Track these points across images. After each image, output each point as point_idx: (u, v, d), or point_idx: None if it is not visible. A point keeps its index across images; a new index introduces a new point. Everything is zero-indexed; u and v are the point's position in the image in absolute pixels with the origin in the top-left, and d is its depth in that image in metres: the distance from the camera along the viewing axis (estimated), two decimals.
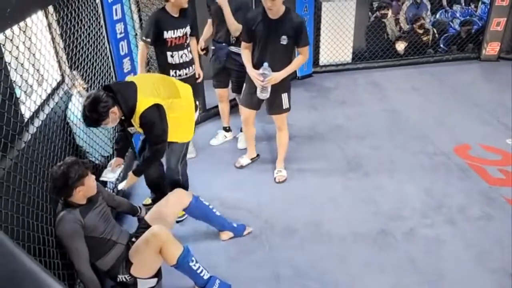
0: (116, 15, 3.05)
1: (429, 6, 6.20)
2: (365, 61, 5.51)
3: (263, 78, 2.83)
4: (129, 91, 2.36)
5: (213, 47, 3.58)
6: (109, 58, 3.13)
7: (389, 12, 5.69)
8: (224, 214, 2.86)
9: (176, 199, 2.54)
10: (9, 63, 1.95)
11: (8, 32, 1.86)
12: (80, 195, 2.06)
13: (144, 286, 2.27)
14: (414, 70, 5.39)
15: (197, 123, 4.05)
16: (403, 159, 3.54)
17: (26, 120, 2.15)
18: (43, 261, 1.99)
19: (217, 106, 3.94)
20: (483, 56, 5.53)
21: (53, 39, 2.69)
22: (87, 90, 2.89)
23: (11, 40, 1.93)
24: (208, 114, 4.19)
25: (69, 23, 2.67)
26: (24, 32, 2.08)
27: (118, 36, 3.11)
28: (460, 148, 3.66)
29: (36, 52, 2.28)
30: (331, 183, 3.28)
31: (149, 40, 3.10)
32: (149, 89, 2.42)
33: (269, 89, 2.91)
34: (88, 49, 2.96)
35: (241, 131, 3.88)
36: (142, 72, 3.27)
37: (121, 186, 2.67)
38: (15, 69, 1.98)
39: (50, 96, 2.56)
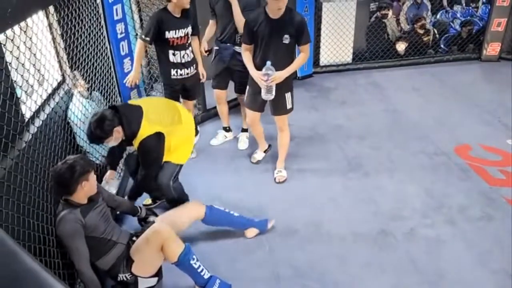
0: (117, 15, 3.05)
1: (430, 6, 6.20)
2: (366, 62, 5.51)
3: (267, 78, 2.83)
4: (135, 115, 2.44)
5: (216, 48, 3.57)
6: (110, 58, 3.13)
7: (390, 13, 5.69)
8: None
9: (190, 212, 2.56)
10: (10, 63, 1.95)
11: (9, 32, 1.86)
12: (83, 191, 2.07)
13: (145, 285, 2.27)
14: (415, 70, 5.39)
15: (197, 123, 4.08)
16: (404, 159, 3.54)
17: (26, 120, 2.16)
18: (44, 260, 1.99)
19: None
20: (484, 56, 5.53)
21: (53, 39, 2.69)
22: (88, 90, 2.90)
23: (12, 40, 1.93)
24: (208, 114, 4.20)
25: (69, 23, 2.68)
26: (25, 32, 2.09)
27: (119, 36, 3.12)
28: (461, 148, 3.66)
29: (37, 52, 2.28)
30: (331, 183, 3.29)
31: (148, 39, 3.08)
32: (154, 116, 2.50)
33: (274, 90, 2.91)
34: (88, 49, 2.96)
35: (242, 131, 3.89)
36: (138, 69, 3.24)
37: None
38: (16, 69, 1.99)
39: (50, 96, 2.57)
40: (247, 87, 3.18)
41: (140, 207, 2.71)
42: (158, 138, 2.47)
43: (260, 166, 3.54)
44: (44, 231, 2.05)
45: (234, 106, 4.27)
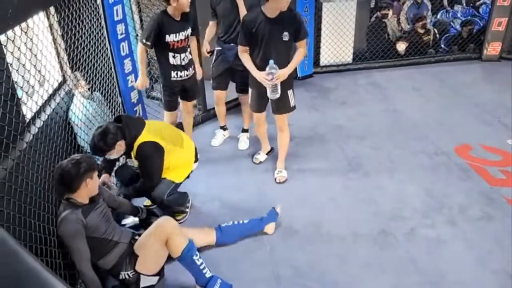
0: (117, 16, 3.06)
1: (430, 6, 6.20)
2: (366, 62, 5.51)
3: (272, 77, 2.84)
4: (137, 125, 2.55)
5: (218, 48, 3.56)
6: (110, 59, 3.14)
7: (390, 12, 5.69)
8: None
9: (201, 241, 2.56)
10: (11, 64, 1.96)
11: (10, 32, 1.87)
12: (86, 189, 2.08)
13: (146, 283, 2.28)
14: (415, 70, 5.38)
15: (197, 123, 4.09)
16: (404, 159, 3.54)
17: (27, 120, 2.16)
18: (45, 261, 1.99)
19: None
20: (485, 56, 5.52)
21: (54, 39, 2.70)
22: (89, 91, 2.91)
23: (13, 41, 1.94)
24: (208, 114, 4.20)
25: (70, 24, 2.68)
26: (25, 33, 2.09)
27: (119, 37, 3.12)
28: (461, 148, 3.66)
29: (38, 53, 2.29)
30: (332, 183, 3.29)
31: (148, 43, 3.07)
32: (155, 130, 2.60)
33: (279, 88, 2.92)
34: (89, 50, 2.97)
35: (242, 131, 3.89)
36: (144, 73, 3.25)
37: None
38: (17, 70, 1.99)
39: (51, 96, 2.57)
40: (250, 90, 3.19)
41: (140, 208, 2.72)
42: (157, 148, 2.55)
43: (260, 166, 3.54)
44: (45, 232, 2.05)
45: (234, 107, 4.28)
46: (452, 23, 6.20)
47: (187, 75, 3.28)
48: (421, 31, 5.58)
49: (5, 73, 1.87)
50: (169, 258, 2.37)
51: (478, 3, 6.45)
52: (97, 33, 3.07)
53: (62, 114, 2.63)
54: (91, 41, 3.01)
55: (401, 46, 5.53)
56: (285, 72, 2.89)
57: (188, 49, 3.26)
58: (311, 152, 3.70)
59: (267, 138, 3.55)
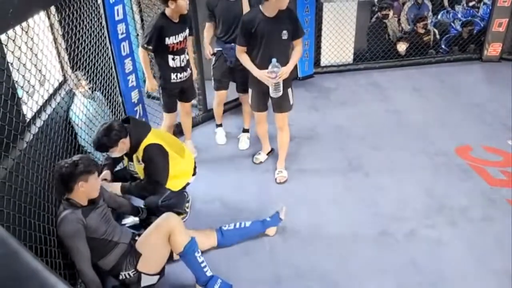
0: (118, 15, 3.05)
1: (431, 6, 6.20)
2: (366, 62, 5.50)
3: (275, 75, 2.86)
4: (143, 128, 2.59)
5: (218, 49, 3.55)
6: (111, 58, 3.13)
7: (391, 13, 5.68)
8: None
9: (203, 244, 2.55)
10: (12, 63, 1.95)
11: (10, 32, 1.86)
12: (81, 191, 2.07)
13: (147, 282, 2.28)
14: (416, 70, 5.38)
15: (198, 123, 4.09)
16: (404, 160, 3.54)
17: (28, 120, 2.16)
18: (45, 260, 1.99)
19: None
20: (485, 57, 5.52)
21: (55, 39, 2.70)
22: (91, 90, 2.91)
23: (14, 40, 1.93)
24: (208, 114, 4.19)
25: (71, 23, 2.68)
26: (26, 32, 2.09)
27: (120, 36, 3.11)
28: (461, 149, 3.66)
29: (38, 53, 2.29)
30: (332, 183, 3.29)
31: (150, 47, 3.06)
32: (161, 135, 2.66)
33: (282, 86, 2.94)
34: (90, 49, 2.97)
35: (243, 131, 3.89)
36: (151, 76, 3.24)
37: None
38: (17, 69, 1.99)
39: (52, 96, 2.57)
40: (250, 89, 3.19)
41: (141, 208, 2.72)
42: (162, 150, 2.58)
43: (260, 166, 3.54)
44: (45, 231, 2.05)
45: (234, 107, 4.27)
46: (452, 24, 6.20)
47: (185, 76, 3.29)
48: (422, 31, 5.58)
49: (6, 73, 1.87)
50: (169, 258, 2.37)
51: (471, 4, 6.45)
52: (98, 32, 3.06)
53: (62, 114, 2.63)
54: (92, 41, 3.01)
55: (402, 47, 5.52)
56: (287, 70, 2.91)
57: (186, 50, 3.27)
58: (312, 152, 3.70)
59: (267, 138, 3.55)
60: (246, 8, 3.37)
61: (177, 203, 2.79)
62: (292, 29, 2.90)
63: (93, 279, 2.11)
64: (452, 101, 4.56)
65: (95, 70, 3.05)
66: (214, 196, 3.17)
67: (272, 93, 2.97)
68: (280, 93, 2.97)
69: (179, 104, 3.49)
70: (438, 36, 5.82)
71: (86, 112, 2.79)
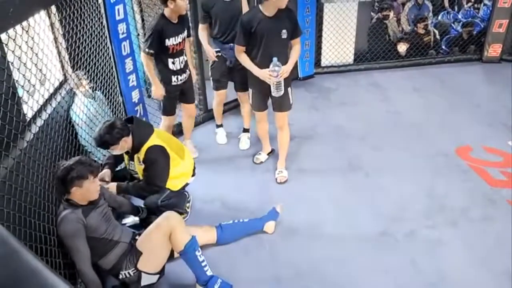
0: (119, 15, 3.05)
1: (431, 7, 6.20)
2: (367, 62, 5.50)
3: (276, 74, 2.87)
4: (147, 129, 2.60)
5: (217, 49, 3.54)
6: (111, 58, 3.13)
7: (391, 14, 5.68)
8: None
9: (202, 238, 2.54)
10: (12, 63, 1.95)
11: (11, 31, 1.86)
12: (77, 194, 2.07)
13: (147, 281, 2.28)
14: (416, 71, 5.38)
15: (198, 123, 4.09)
16: (404, 160, 3.54)
17: (28, 119, 2.16)
18: (45, 260, 1.99)
19: None
20: (485, 57, 5.52)
21: (55, 38, 2.70)
22: (92, 90, 2.91)
23: (14, 39, 1.93)
24: (209, 114, 4.19)
25: (71, 23, 2.68)
26: (26, 31, 2.09)
27: (121, 36, 3.11)
28: (462, 150, 3.66)
29: (39, 52, 2.29)
30: (332, 183, 3.28)
31: (152, 51, 3.05)
32: (163, 137, 2.66)
33: (283, 84, 2.95)
34: (90, 49, 2.97)
35: (243, 131, 3.89)
36: (157, 82, 3.19)
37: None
38: (18, 69, 1.99)
39: (52, 95, 2.57)
40: (250, 89, 3.19)
41: (141, 207, 2.72)
42: (164, 152, 2.59)
43: (261, 166, 3.54)
44: (46, 231, 2.05)
45: (234, 107, 4.27)
46: (452, 25, 6.20)
47: (185, 78, 3.30)
48: (422, 32, 5.58)
49: (6, 72, 1.87)
50: (170, 257, 2.37)
51: (467, 5, 6.45)
52: (99, 32, 3.06)
53: (63, 113, 2.63)
54: (93, 40, 3.01)
55: (402, 47, 5.53)
56: (288, 68, 2.93)
57: (184, 52, 3.26)
58: (312, 153, 3.70)
59: (268, 137, 3.55)
60: (245, 7, 3.38)
61: (177, 202, 2.79)
62: (291, 28, 2.92)
63: (93, 279, 2.11)
64: (452, 101, 4.56)
65: (96, 70, 3.05)
66: (215, 196, 3.17)
67: (274, 92, 2.98)
68: (282, 92, 2.97)
69: (182, 106, 3.48)
70: (438, 37, 5.82)
71: (86, 112, 2.79)
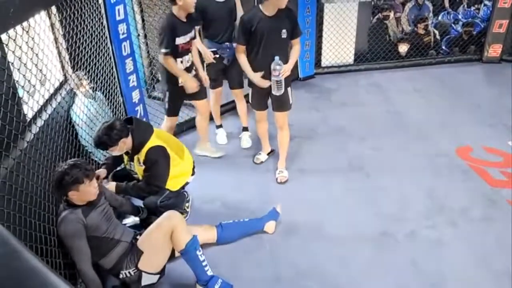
0: (119, 15, 3.06)
1: (431, 7, 6.20)
2: (367, 63, 5.51)
3: (278, 73, 2.88)
4: (147, 130, 2.59)
5: (213, 49, 3.53)
6: (112, 58, 3.14)
7: (391, 14, 5.69)
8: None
9: (202, 237, 2.53)
10: (12, 63, 1.95)
11: (11, 31, 1.86)
12: (75, 197, 2.07)
13: (148, 281, 2.28)
14: (416, 71, 5.38)
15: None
16: (405, 161, 3.54)
17: (28, 119, 2.16)
18: (45, 260, 1.99)
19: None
20: (485, 58, 5.52)
21: (56, 39, 2.70)
22: (92, 90, 2.91)
23: (14, 40, 1.93)
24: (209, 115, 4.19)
25: (72, 23, 2.68)
26: (27, 32, 2.09)
27: (121, 36, 3.12)
28: (462, 150, 3.66)
29: (39, 52, 2.29)
30: (333, 184, 3.28)
31: (169, 50, 3.01)
32: (163, 137, 2.66)
33: (284, 83, 2.96)
34: (90, 49, 2.97)
35: (243, 130, 3.90)
36: (187, 76, 3.14)
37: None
38: (18, 69, 1.99)
39: (52, 96, 2.57)
40: (250, 89, 3.19)
41: (141, 207, 2.72)
42: (165, 153, 2.59)
43: (261, 166, 3.54)
44: (46, 231, 2.05)
45: (233, 108, 4.27)
46: (453, 25, 6.20)
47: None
48: (422, 32, 5.58)
49: (6, 72, 1.87)
50: (170, 257, 2.37)
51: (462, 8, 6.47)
52: (99, 32, 3.07)
53: (63, 114, 2.63)
54: (93, 41, 3.01)
55: (403, 48, 5.53)
56: (288, 67, 2.93)
57: (190, 51, 3.25)
58: (312, 153, 3.70)
59: (267, 137, 3.55)
60: (238, 7, 3.43)
61: (176, 203, 2.80)
62: (291, 28, 2.93)
63: (94, 279, 2.11)
64: (452, 102, 4.56)
65: (96, 70, 3.05)
66: (215, 196, 3.17)
67: (274, 91, 2.99)
68: (282, 91, 2.99)
69: (195, 104, 3.48)
70: (438, 37, 5.82)
71: (87, 112, 2.79)
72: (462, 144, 3.73)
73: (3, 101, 1.82)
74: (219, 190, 3.25)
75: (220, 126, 3.97)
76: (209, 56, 3.50)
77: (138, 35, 4.33)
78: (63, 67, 2.82)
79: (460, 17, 6.36)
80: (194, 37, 3.26)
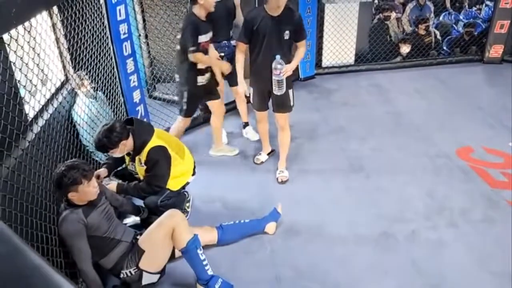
0: (120, 15, 3.06)
1: (433, 8, 6.20)
2: (368, 63, 5.51)
3: (279, 72, 2.87)
4: (148, 130, 2.60)
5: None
6: (113, 58, 3.14)
7: (392, 14, 5.69)
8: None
9: (203, 238, 2.52)
10: (14, 63, 1.96)
11: (13, 31, 1.87)
12: (75, 198, 2.07)
13: (148, 281, 2.29)
14: (417, 72, 5.38)
15: (199, 124, 4.10)
16: (405, 161, 3.54)
17: (30, 119, 2.17)
18: (46, 259, 1.99)
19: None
20: (487, 58, 5.52)
21: (57, 39, 2.70)
22: (94, 90, 2.92)
23: (16, 40, 1.94)
24: (209, 115, 4.18)
25: (73, 23, 2.69)
26: (29, 32, 2.10)
27: (122, 36, 3.12)
28: (463, 151, 3.66)
29: (41, 52, 2.30)
30: (333, 184, 3.29)
31: (196, 47, 3.02)
32: (164, 137, 2.67)
33: (285, 83, 2.95)
34: (92, 49, 2.97)
35: (244, 126, 3.93)
36: (218, 62, 3.22)
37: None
38: (20, 69, 2.00)
39: (54, 96, 2.58)
40: (251, 88, 3.19)
41: (142, 207, 2.72)
42: (166, 153, 2.59)
43: (262, 166, 3.54)
44: (47, 230, 2.05)
45: (234, 108, 4.27)
46: (454, 26, 6.20)
47: (208, 77, 3.28)
48: (423, 33, 5.59)
49: (8, 72, 1.87)
50: (171, 257, 2.37)
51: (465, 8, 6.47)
52: (100, 32, 3.07)
53: (64, 114, 2.63)
54: (94, 41, 3.01)
55: (404, 49, 5.53)
56: (291, 67, 2.92)
57: (207, 51, 3.24)
58: (313, 153, 3.70)
59: (268, 138, 3.55)
60: (239, 11, 3.48)
61: (176, 203, 2.80)
62: (295, 30, 2.91)
63: (94, 278, 2.11)
64: (453, 102, 4.56)
65: (97, 70, 3.06)
66: (215, 197, 3.17)
67: (275, 90, 2.99)
68: (283, 91, 2.97)
69: (210, 105, 3.51)
70: (439, 37, 5.82)
71: (88, 112, 2.79)
72: (463, 145, 3.73)
73: (5, 100, 1.82)
74: (220, 190, 3.25)
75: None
76: (217, 55, 3.52)
77: (139, 35, 4.33)
78: (64, 67, 2.83)
79: (461, 17, 6.37)
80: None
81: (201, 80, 3.22)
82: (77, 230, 2.06)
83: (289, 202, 3.05)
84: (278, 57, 2.85)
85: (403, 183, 3.27)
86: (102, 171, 2.68)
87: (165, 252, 2.30)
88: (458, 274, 2.46)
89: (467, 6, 6.54)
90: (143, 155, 2.55)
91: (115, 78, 3.24)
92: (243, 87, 3.07)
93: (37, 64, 2.21)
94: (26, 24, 2.01)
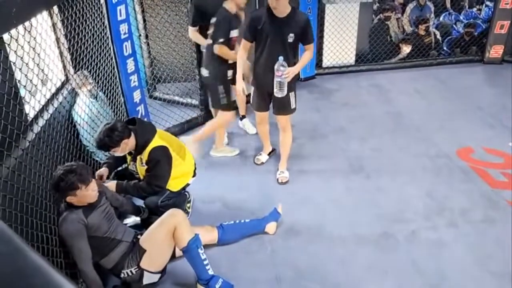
0: (120, 15, 3.06)
1: (433, 8, 6.20)
2: (368, 63, 5.51)
3: (281, 73, 2.84)
4: (150, 130, 2.61)
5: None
6: (113, 58, 3.14)
7: (393, 15, 5.69)
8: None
9: (203, 238, 2.52)
10: (14, 63, 1.96)
11: (13, 31, 1.87)
12: (73, 201, 2.07)
13: (149, 280, 2.29)
14: (417, 72, 5.38)
15: (199, 124, 4.10)
16: (406, 161, 3.54)
17: (30, 119, 2.17)
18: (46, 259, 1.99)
19: None
20: (487, 59, 5.53)
21: (57, 39, 2.70)
22: (95, 90, 2.92)
23: (16, 39, 1.94)
24: (209, 115, 4.18)
25: (73, 23, 2.69)
26: (29, 31, 2.10)
27: (122, 36, 3.13)
28: (463, 151, 3.66)
29: (41, 52, 2.30)
30: (334, 184, 3.29)
31: (225, 40, 3.06)
32: (165, 138, 2.67)
33: (286, 86, 2.92)
34: (92, 49, 2.97)
35: (241, 119, 3.99)
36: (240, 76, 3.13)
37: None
38: (20, 69, 2.00)
39: (54, 95, 2.58)
40: (252, 88, 3.19)
41: (142, 207, 2.72)
42: (167, 153, 2.60)
43: (262, 166, 3.54)
44: (47, 231, 2.06)
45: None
46: (454, 26, 6.21)
47: (233, 73, 3.26)
48: (423, 33, 5.59)
49: (8, 72, 1.88)
50: (171, 257, 2.37)
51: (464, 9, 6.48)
52: (100, 32, 3.07)
53: (65, 114, 2.63)
54: (94, 41, 3.01)
55: (405, 49, 5.53)
56: (294, 70, 2.88)
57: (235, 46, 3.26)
58: (313, 153, 3.70)
59: (268, 138, 3.55)
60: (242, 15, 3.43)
61: (177, 203, 2.80)
62: (301, 33, 2.86)
63: (95, 278, 2.11)
64: (453, 102, 4.56)
65: (97, 70, 3.06)
66: (215, 197, 3.17)
67: (276, 92, 2.96)
68: (285, 93, 2.94)
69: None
70: (439, 38, 5.83)
71: (88, 112, 2.79)
72: (463, 145, 3.73)
73: (5, 100, 1.82)
74: (220, 190, 3.25)
75: None
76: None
77: (140, 35, 4.33)
78: (64, 66, 2.83)
79: (461, 18, 6.37)
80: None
81: (230, 75, 3.25)
82: (77, 230, 2.05)
83: (290, 202, 3.05)
84: (281, 58, 2.81)
85: (403, 183, 3.27)
86: (104, 170, 2.67)
87: (166, 251, 2.30)
88: (458, 274, 2.46)
89: (467, 7, 6.55)
90: (145, 155, 2.55)
91: (116, 78, 3.24)
92: (241, 85, 3.01)
93: (37, 64, 2.21)
94: (26, 24, 2.02)
